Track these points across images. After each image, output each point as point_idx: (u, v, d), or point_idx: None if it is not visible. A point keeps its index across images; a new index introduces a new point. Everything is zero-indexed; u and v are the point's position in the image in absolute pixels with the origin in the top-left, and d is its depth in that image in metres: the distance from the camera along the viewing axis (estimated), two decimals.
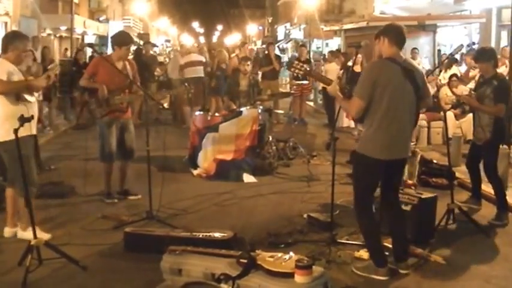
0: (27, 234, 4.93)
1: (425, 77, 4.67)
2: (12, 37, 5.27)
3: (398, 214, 4.72)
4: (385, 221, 4.75)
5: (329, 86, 4.62)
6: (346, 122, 12.50)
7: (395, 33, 4.40)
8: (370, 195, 4.57)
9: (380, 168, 4.41)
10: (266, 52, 14.81)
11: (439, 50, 15.93)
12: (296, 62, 4.88)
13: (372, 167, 4.41)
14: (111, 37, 6.75)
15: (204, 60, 13.17)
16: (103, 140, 6.45)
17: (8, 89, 4.99)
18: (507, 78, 7.69)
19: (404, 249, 4.66)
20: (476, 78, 7.07)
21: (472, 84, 9.03)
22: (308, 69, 4.82)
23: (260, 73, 14.00)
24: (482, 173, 6.41)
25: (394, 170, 4.56)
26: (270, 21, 54.44)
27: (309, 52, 20.26)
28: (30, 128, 4.96)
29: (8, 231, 5.26)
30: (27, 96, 5.10)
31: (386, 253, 4.59)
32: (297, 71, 4.81)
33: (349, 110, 4.52)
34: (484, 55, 6.15)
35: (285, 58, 27.81)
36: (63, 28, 24.27)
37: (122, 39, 6.54)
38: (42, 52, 12.91)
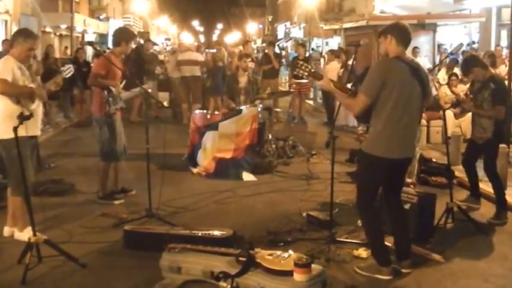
0: (24, 235, 4.94)
1: (428, 76, 4.68)
2: (18, 34, 5.21)
3: (400, 213, 4.71)
4: (387, 220, 4.75)
5: (320, 80, 4.60)
6: (351, 121, 12.50)
7: (402, 32, 4.41)
8: (374, 194, 4.58)
9: (386, 167, 4.40)
10: (266, 51, 14.82)
11: (439, 45, 15.92)
12: (301, 63, 4.88)
13: (378, 166, 4.40)
14: (118, 33, 6.64)
15: (201, 59, 13.16)
16: (114, 137, 6.41)
17: (9, 91, 4.92)
18: (506, 78, 7.73)
19: (406, 248, 4.65)
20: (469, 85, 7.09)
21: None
22: (312, 70, 4.82)
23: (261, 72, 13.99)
24: (481, 172, 6.41)
25: (398, 168, 4.56)
26: (270, 19, 54.43)
27: (308, 51, 20.27)
28: (26, 129, 4.80)
29: (7, 231, 5.25)
30: (28, 104, 5.00)
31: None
32: (301, 71, 4.81)
33: (352, 106, 4.47)
34: (469, 65, 6.19)
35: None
36: (63, 26, 24.31)
37: (129, 34, 6.66)
38: (46, 50, 12.91)
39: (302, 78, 12.46)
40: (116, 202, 6.44)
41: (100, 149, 6.49)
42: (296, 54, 15.21)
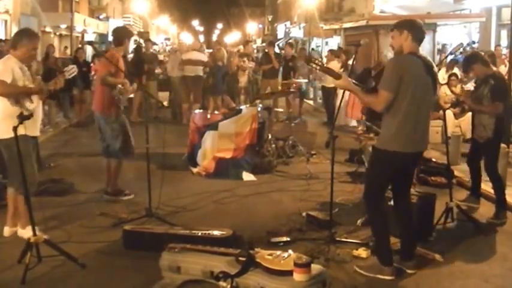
0: (27, 232, 4.93)
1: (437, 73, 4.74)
2: (22, 34, 5.22)
3: (408, 213, 4.67)
4: (391, 220, 4.65)
5: (338, 79, 4.58)
6: (350, 121, 12.50)
7: (418, 30, 4.45)
8: (384, 191, 4.59)
9: (398, 161, 4.40)
10: (266, 51, 14.81)
11: (443, 45, 15.89)
12: (315, 58, 4.92)
13: (394, 161, 4.40)
14: (119, 32, 6.70)
15: (205, 59, 13.20)
16: (126, 134, 6.48)
17: (8, 92, 4.93)
18: (506, 77, 7.72)
19: (412, 248, 4.65)
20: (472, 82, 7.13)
21: (470, 84, 9.06)
22: (325, 66, 4.88)
23: (261, 72, 13.98)
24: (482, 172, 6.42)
25: (412, 163, 4.60)
26: (269, 19, 54.41)
27: (308, 50, 20.24)
28: (25, 130, 4.79)
29: (7, 231, 5.25)
30: (27, 104, 5.00)
31: None
32: (314, 65, 4.85)
33: (375, 103, 4.44)
34: (469, 62, 6.25)
35: None
36: (63, 26, 24.30)
37: (129, 31, 6.85)
38: (47, 50, 12.90)
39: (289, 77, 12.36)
40: (125, 198, 6.50)
41: (113, 148, 6.48)
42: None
